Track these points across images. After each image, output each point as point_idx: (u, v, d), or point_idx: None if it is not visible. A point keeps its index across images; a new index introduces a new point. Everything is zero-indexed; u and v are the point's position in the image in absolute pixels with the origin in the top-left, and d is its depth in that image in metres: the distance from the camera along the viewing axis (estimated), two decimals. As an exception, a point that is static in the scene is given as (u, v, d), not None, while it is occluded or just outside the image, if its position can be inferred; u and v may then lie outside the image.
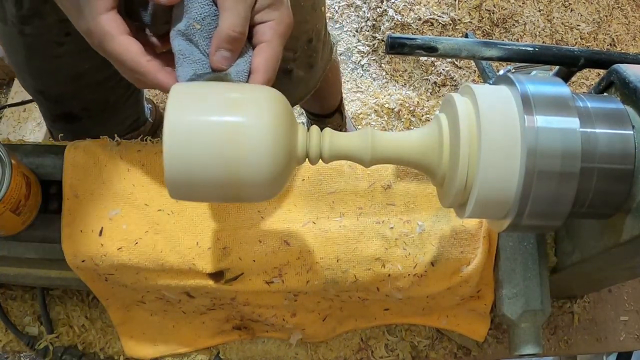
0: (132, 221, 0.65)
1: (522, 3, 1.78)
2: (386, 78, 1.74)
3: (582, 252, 0.60)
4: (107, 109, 1.01)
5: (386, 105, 1.68)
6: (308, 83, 1.05)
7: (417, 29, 1.69)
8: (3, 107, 1.60)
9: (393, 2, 1.71)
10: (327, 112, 1.47)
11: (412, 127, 1.66)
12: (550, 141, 0.44)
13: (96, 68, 0.92)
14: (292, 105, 1.04)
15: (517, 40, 1.74)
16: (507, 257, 0.66)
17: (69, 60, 0.87)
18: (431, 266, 0.66)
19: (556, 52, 0.64)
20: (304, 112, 1.54)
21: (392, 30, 1.70)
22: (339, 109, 1.49)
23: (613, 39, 1.81)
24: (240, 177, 0.45)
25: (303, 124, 1.58)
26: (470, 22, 1.72)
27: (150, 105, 1.28)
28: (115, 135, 0.71)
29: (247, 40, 0.52)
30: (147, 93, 1.72)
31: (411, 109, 1.68)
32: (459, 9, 1.71)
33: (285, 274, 0.66)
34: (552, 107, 0.45)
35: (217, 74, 0.50)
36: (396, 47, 0.64)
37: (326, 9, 1.04)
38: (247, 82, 0.51)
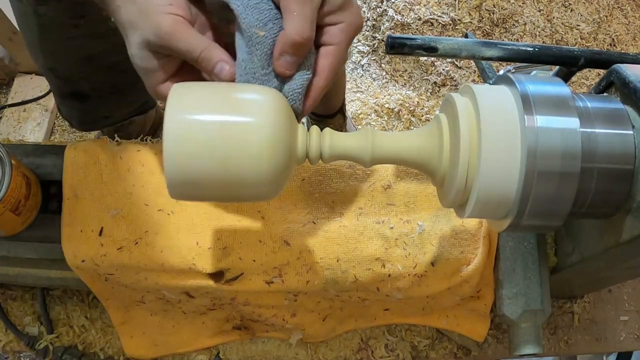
0: (132, 221, 0.65)
1: (522, 3, 1.78)
2: (386, 78, 1.73)
3: (582, 252, 0.60)
4: (116, 91, 1.01)
5: (386, 105, 1.68)
6: None
7: (417, 29, 1.69)
8: (3, 107, 1.60)
9: (393, 2, 1.71)
10: (331, 113, 1.47)
11: (412, 127, 1.66)
12: (550, 141, 0.44)
13: (109, 52, 0.91)
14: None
15: (517, 40, 1.74)
16: (507, 257, 0.66)
17: (82, 42, 0.87)
18: (431, 266, 0.66)
19: (556, 52, 0.64)
20: (304, 112, 1.54)
21: (392, 30, 1.70)
22: (342, 110, 1.49)
23: (613, 39, 1.81)
24: (240, 177, 0.45)
25: (303, 124, 1.57)
26: (470, 22, 1.71)
27: None
28: (115, 136, 0.71)
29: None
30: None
31: (411, 109, 1.67)
32: (459, 9, 1.71)
33: (285, 274, 0.66)
34: (552, 107, 0.45)
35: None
36: (396, 47, 0.63)
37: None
38: (302, 101, 0.49)
